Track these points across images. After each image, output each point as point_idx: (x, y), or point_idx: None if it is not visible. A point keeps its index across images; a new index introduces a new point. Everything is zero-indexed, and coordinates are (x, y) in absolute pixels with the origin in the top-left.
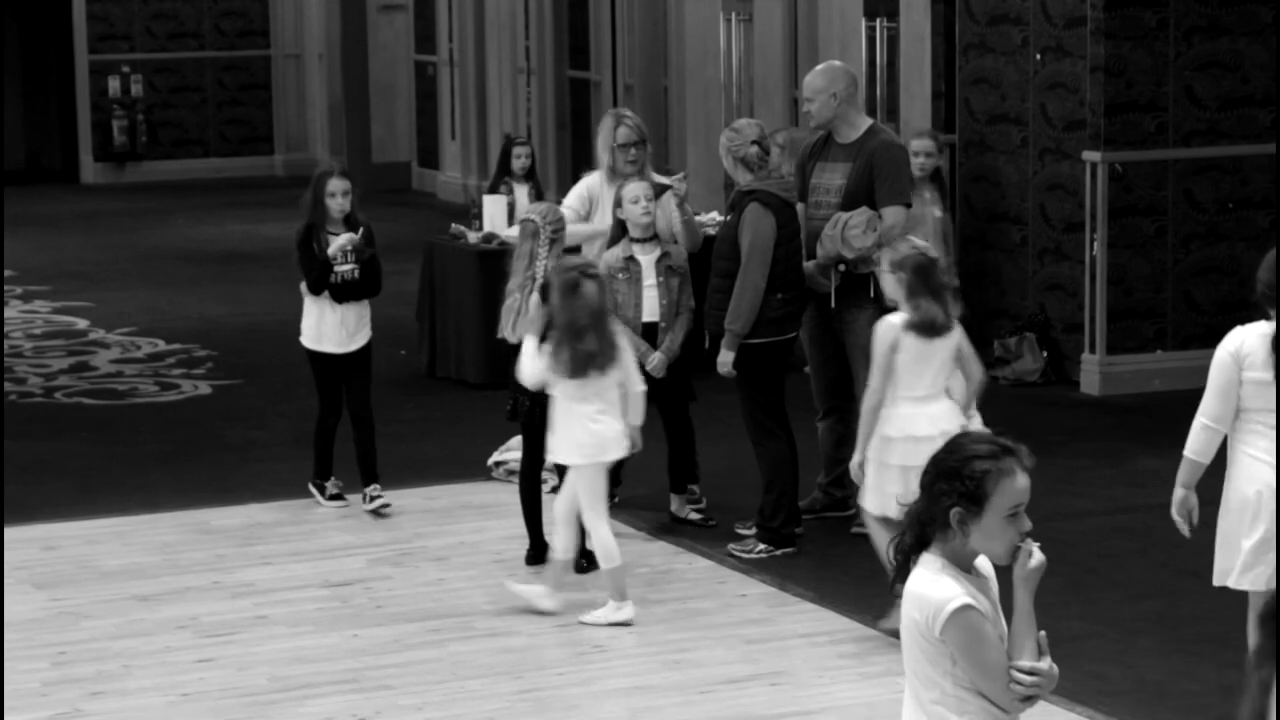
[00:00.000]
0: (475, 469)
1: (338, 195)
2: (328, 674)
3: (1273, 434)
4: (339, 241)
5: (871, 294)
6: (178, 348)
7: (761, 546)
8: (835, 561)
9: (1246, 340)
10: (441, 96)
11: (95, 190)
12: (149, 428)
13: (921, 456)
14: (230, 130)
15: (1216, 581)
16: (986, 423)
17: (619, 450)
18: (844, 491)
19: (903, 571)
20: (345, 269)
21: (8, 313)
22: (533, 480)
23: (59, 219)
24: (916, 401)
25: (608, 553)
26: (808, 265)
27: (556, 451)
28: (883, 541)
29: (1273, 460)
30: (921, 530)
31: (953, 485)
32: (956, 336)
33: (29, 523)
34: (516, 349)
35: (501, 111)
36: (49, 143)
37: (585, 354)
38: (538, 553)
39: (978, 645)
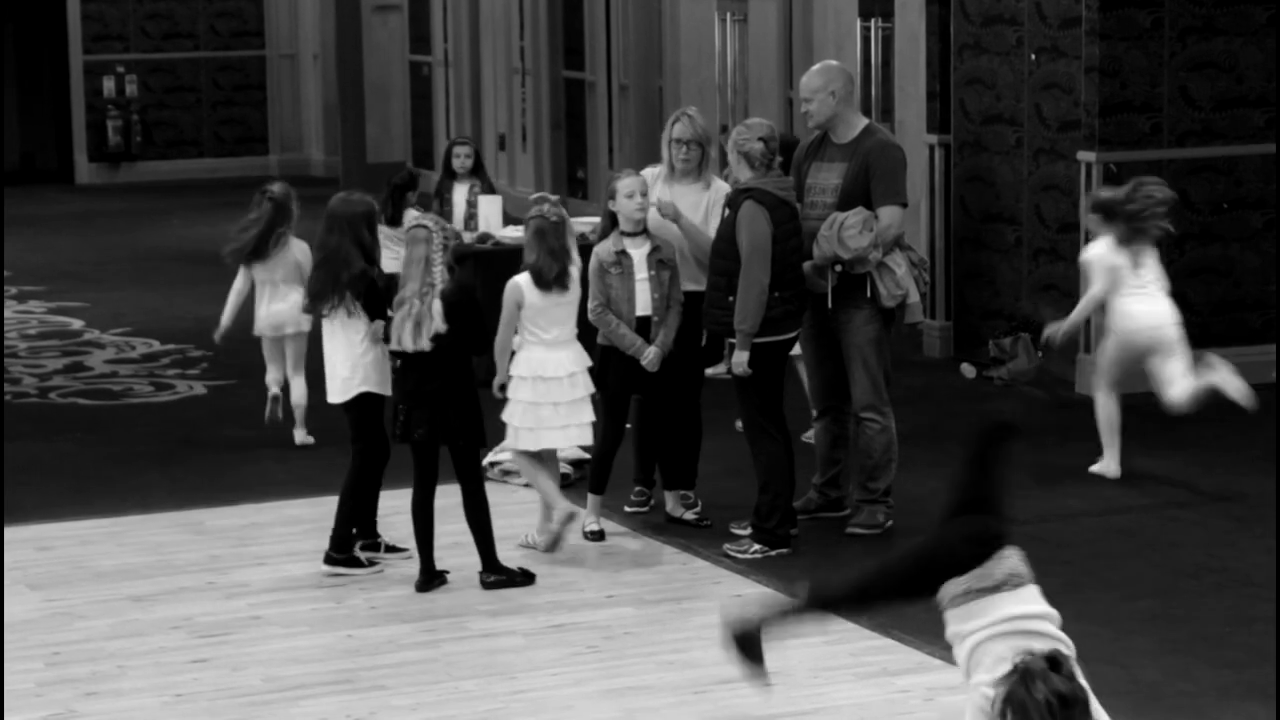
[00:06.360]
0: None
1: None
2: (322, 674)
3: None
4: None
5: (868, 294)
6: (173, 348)
7: (756, 547)
8: (830, 562)
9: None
10: (436, 97)
11: (90, 191)
12: (144, 428)
13: (551, 394)
14: (225, 131)
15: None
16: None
17: None
18: (839, 492)
19: None
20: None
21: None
22: (426, 501)
23: (54, 219)
24: (545, 345)
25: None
26: (804, 266)
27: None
28: (534, 476)
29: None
30: None
31: None
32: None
33: (23, 523)
34: (415, 359)
35: (496, 112)
36: (44, 143)
37: None
38: (429, 579)
39: None
